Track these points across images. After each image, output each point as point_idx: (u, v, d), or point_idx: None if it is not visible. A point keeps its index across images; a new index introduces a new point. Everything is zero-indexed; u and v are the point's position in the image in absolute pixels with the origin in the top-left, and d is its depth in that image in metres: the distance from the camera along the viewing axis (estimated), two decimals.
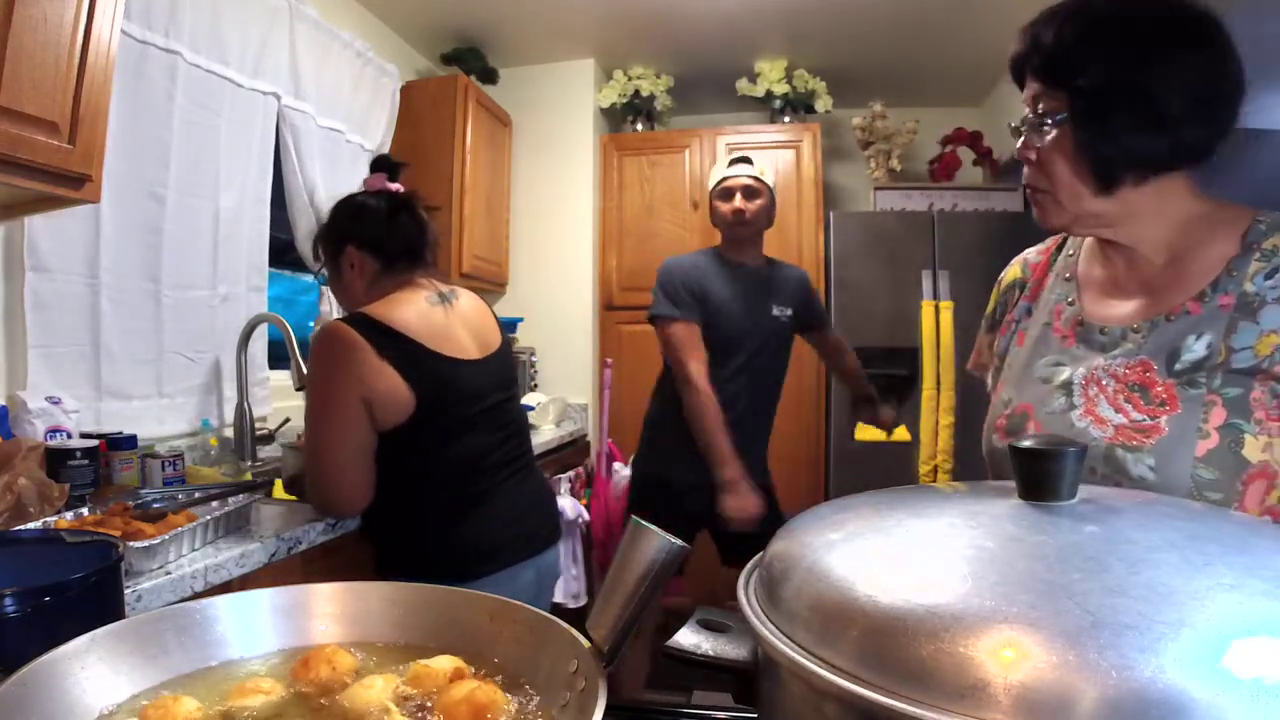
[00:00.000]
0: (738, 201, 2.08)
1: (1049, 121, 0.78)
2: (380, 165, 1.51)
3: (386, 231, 1.41)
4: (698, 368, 2.00)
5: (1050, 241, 0.98)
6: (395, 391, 1.27)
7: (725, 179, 2.11)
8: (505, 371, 1.49)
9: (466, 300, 1.48)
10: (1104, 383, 0.82)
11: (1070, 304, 0.89)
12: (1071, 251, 0.93)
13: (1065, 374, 0.85)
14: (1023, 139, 0.82)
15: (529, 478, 1.51)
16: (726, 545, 2.14)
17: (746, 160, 2.14)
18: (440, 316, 1.38)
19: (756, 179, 2.10)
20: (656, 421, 2.18)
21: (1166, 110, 0.74)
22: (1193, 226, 0.80)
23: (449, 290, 1.45)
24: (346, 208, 1.47)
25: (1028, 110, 0.81)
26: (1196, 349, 0.77)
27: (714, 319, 2.05)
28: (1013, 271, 1.02)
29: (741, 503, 1.95)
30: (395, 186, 1.48)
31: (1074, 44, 0.77)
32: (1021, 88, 0.83)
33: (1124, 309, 0.84)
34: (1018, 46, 0.82)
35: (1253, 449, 0.74)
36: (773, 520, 2.09)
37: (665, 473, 2.11)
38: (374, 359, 1.26)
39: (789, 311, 2.19)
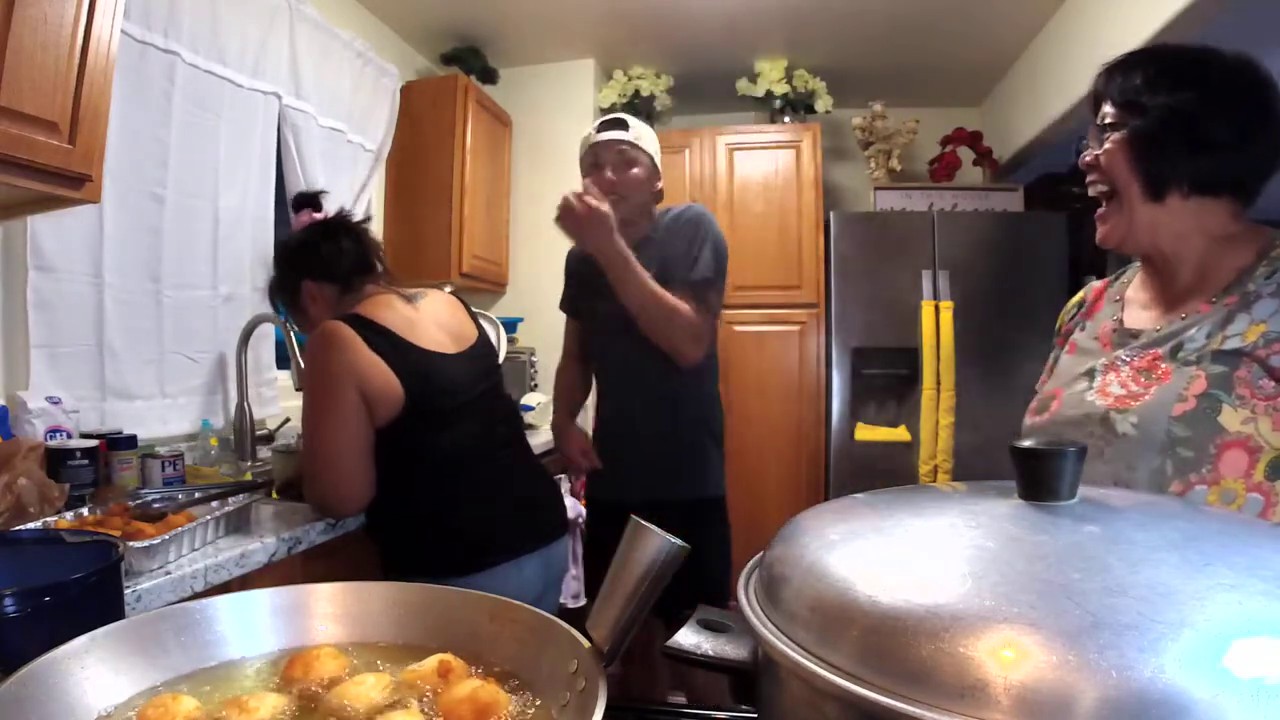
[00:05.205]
0: (607, 174, 1.71)
1: (1111, 132, 0.92)
2: (301, 202, 1.59)
3: (331, 256, 1.47)
4: (560, 359, 2.03)
5: (1111, 276, 1.12)
6: (388, 384, 1.30)
7: (592, 145, 1.76)
8: (485, 362, 1.52)
9: (434, 299, 1.52)
10: (1119, 368, 0.95)
11: (1115, 319, 1.02)
12: (1125, 279, 1.07)
13: (1092, 365, 1.00)
14: (1087, 149, 0.95)
15: (528, 468, 1.53)
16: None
17: (620, 123, 1.75)
18: (414, 315, 1.42)
19: (630, 143, 1.73)
20: (594, 435, 1.92)
21: (1214, 140, 0.87)
22: (1224, 245, 0.91)
23: (414, 293, 1.50)
24: (288, 252, 1.53)
25: (1095, 128, 0.95)
26: (1197, 338, 0.88)
27: (584, 308, 1.89)
28: (1077, 296, 1.15)
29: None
30: (321, 215, 1.55)
31: (1146, 75, 0.91)
32: (1096, 116, 0.97)
33: (1155, 318, 0.97)
34: (1098, 82, 0.96)
35: (1231, 418, 0.82)
36: (710, 545, 1.72)
37: (609, 494, 1.82)
38: (367, 352, 1.29)
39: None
